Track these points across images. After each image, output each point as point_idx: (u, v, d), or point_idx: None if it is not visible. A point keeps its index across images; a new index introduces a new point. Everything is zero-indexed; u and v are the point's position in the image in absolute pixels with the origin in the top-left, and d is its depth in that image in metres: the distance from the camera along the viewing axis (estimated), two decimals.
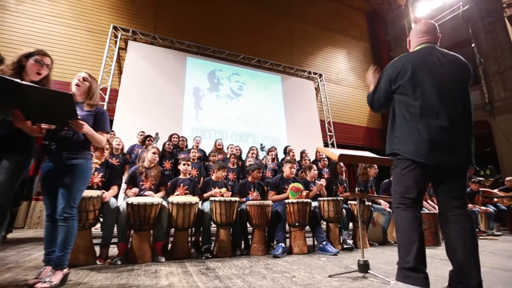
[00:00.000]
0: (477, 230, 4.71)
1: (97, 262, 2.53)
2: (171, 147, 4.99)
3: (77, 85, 1.98)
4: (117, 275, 2.09)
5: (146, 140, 4.87)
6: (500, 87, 8.52)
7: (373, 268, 2.13)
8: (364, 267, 2.01)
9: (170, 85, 7.80)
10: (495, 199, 5.64)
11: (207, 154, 5.42)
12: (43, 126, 1.79)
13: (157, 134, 4.86)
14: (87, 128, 1.83)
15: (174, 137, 5.32)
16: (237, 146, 5.80)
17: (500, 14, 8.51)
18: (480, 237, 4.59)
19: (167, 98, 7.58)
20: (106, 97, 7.18)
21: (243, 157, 5.72)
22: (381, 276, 1.93)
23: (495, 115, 8.56)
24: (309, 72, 10.42)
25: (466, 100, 1.59)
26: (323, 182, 3.72)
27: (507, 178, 6.25)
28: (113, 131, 5.50)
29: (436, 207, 4.45)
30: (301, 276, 2.05)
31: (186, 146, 5.48)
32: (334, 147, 9.50)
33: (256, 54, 9.65)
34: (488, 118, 8.71)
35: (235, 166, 4.71)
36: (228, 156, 5.29)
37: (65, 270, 1.79)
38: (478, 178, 5.89)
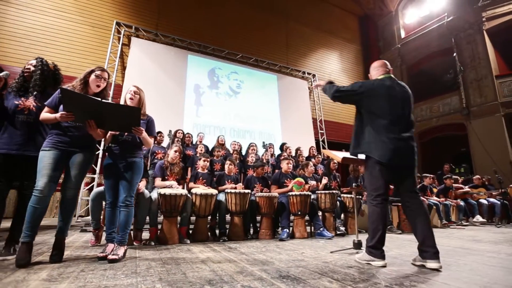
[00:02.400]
0: (447, 221, 5.44)
1: (134, 243, 2.99)
2: (179, 142, 5.43)
3: (131, 98, 2.39)
4: (159, 252, 2.56)
5: (157, 136, 5.27)
6: (477, 93, 9.35)
7: (363, 247, 2.68)
8: (358, 245, 2.57)
9: (172, 82, 8.11)
10: (473, 194, 6.48)
11: (209, 149, 5.88)
12: (111, 132, 2.21)
13: (170, 131, 5.26)
14: (144, 133, 2.26)
15: (179, 133, 5.75)
16: (238, 142, 6.29)
17: (480, 27, 9.27)
18: (450, 227, 5.33)
19: (169, 95, 7.90)
20: (111, 93, 7.41)
21: (243, 152, 6.23)
22: None
23: (471, 119, 9.41)
24: (303, 72, 10.92)
25: (411, 117, 2.20)
26: (325, 180, 4.34)
27: (474, 177, 7.12)
28: None
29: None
30: (309, 252, 2.59)
31: (192, 142, 5.92)
32: (325, 144, 10.12)
33: (254, 53, 10.04)
34: (465, 121, 9.57)
35: (237, 161, 5.20)
36: (231, 151, 5.80)
37: (126, 246, 2.25)
38: (453, 176, 6.66)
